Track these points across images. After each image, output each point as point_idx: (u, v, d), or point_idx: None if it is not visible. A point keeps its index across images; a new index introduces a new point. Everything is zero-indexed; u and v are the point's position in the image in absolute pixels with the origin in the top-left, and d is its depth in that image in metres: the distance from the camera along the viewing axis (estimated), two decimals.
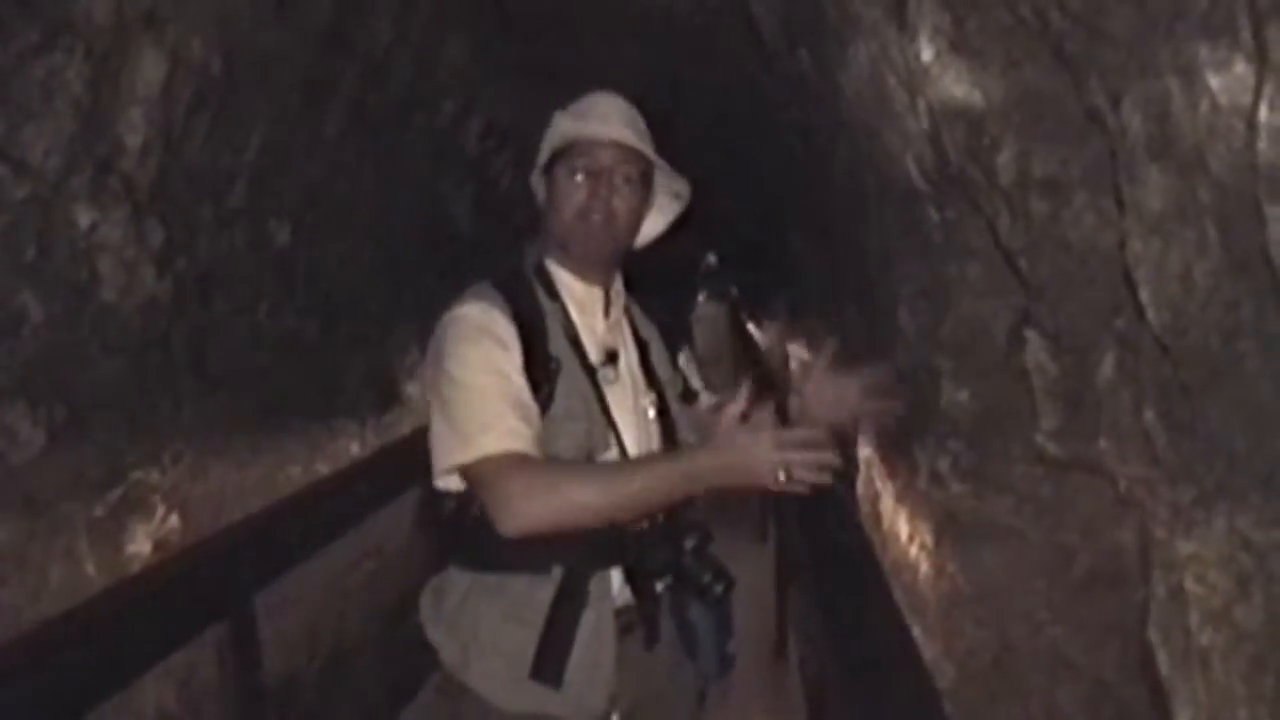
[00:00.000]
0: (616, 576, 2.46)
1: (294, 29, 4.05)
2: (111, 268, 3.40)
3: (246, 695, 4.11)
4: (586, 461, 2.39)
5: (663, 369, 2.67)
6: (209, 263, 3.96)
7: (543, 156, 2.53)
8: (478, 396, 2.32)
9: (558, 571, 2.38)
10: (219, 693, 4.03)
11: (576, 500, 2.27)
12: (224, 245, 4.06)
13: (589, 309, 2.56)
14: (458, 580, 2.53)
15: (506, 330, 2.38)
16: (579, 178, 2.46)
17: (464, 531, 2.44)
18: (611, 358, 2.53)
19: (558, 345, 2.45)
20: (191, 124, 3.60)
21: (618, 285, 2.65)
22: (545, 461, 2.32)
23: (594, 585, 2.40)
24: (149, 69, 3.32)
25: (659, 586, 2.50)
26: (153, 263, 3.58)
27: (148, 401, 3.74)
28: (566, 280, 2.56)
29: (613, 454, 2.43)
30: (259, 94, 3.98)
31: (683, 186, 2.68)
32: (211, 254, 3.97)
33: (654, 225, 2.69)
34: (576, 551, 2.36)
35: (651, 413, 2.57)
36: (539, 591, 2.39)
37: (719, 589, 2.47)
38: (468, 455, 2.31)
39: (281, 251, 4.54)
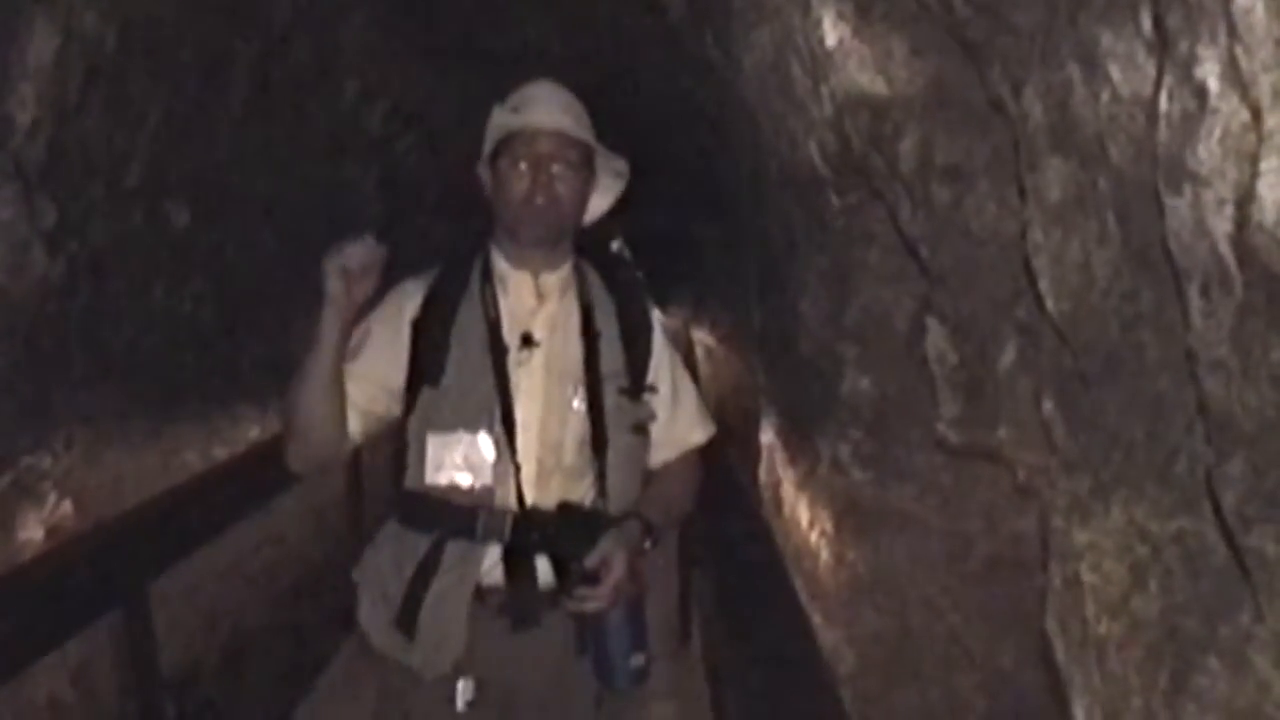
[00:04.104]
0: (492, 554, 2.56)
1: (191, 4, 3.96)
2: (1, 248, 3.30)
3: (142, 683, 4.04)
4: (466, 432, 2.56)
5: (609, 362, 2.66)
6: (103, 244, 3.87)
7: (487, 148, 2.62)
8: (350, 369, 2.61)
9: (431, 534, 2.56)
10: (114, 682, 3.96)
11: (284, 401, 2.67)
12: (119, 226, 3.97)
13: (516, 292, 2.66)
14: (385, 527, 2.74)
15: (410, 310, 2.62)
16: (521, 167, 2.55)
17: (395, 482, 2.68)
18: (526, 341, 2.59)
19: (466, 324, 2.60)
20: (85, 100, 3.50)
21: (562, 271, 2.71)
22: None
23: (451, 556, 2.54)
24: (40, 43, 3.23)
25: (541, 576, 2.56)
26: (44, 243, 3.49)
27: (39, 386, 3.65)
28: (499, 264, 2.68)
29: (496, 429, 2.53)
30: (155, 71, 3.89)
31: (622, 165, 2.76)
32: (106, 235, 3.88)
33: (599, 203, 2.77)
34: (443, 519, 2.56)
35: (577, 402, 2.61)
36: (420, 547, 2.57)
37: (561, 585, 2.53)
38: None
39: (179, 233, 4.45)
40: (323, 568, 5.75)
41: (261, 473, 5.22)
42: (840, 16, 2.78)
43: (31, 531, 3.68)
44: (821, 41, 2.89)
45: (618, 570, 2.44)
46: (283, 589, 5.58)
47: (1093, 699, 2.02)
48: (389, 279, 2.75)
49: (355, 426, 2.62)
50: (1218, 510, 1.58)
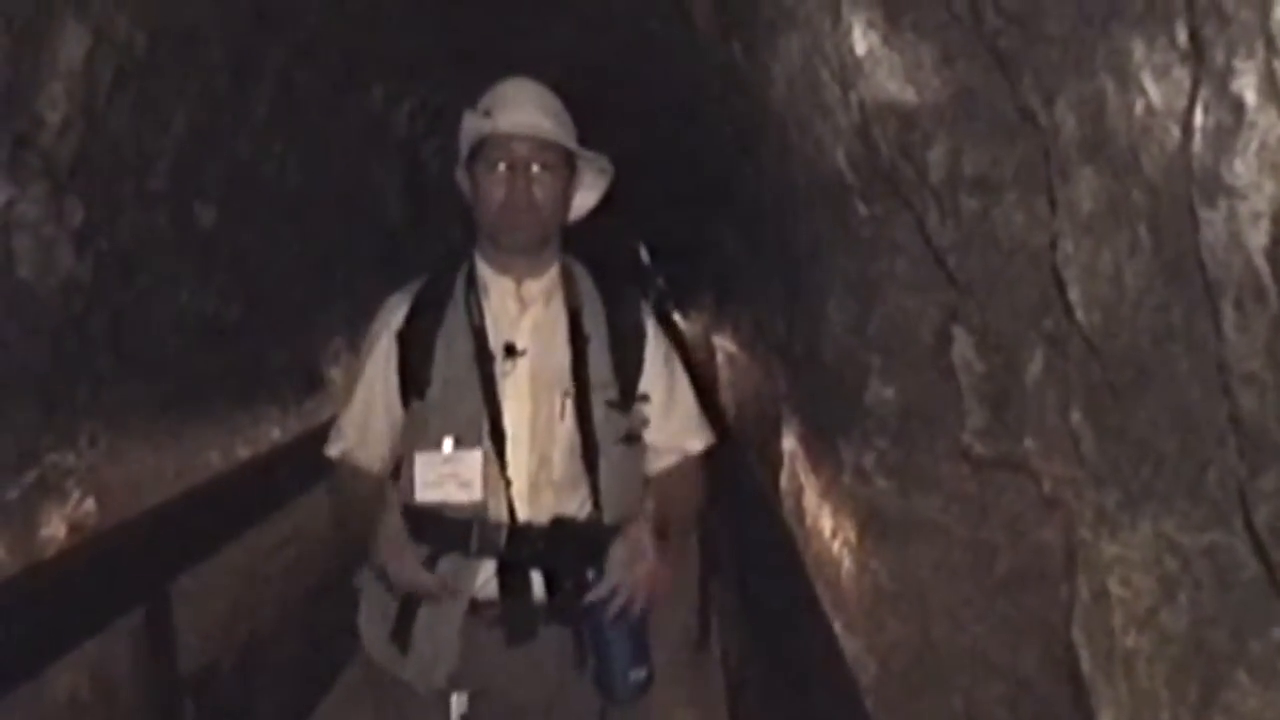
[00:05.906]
0: (487, 568, 2.56)
1: (221, 6, 3.98)
2: (29, 246, 3.32)
3: (162, 683, 4.05)
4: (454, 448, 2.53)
5: (598, 371, 2.62)
6: (130, 243, 3.89)
7: (463, 153, 2.61)
8: (354, 400, 2.75)
9: (425, 549, 2.55)
10: (133, 681, 3.97)
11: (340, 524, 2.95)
12: (146, 225, 3.98)
13: (499, 300, 2.63)
14: None
15: (395, 323, 2.65)
16: (498, 171, 2.53)
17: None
18: (510, 350, 2.57)
19: (452, 333, 2.59)
20: (114, 101, 3.52)
21: (546, 277, 2.67)
22: (356, 479, 2.78)
23: (444, 570, 2.54)
24: (71, 43, 3.25)
25: (537, 590, 2.56)
26: (72, 241, 3.50)
27: (64, 383, 3.66)
28: (483, 271, 2.66)
29: (484, 442, 2.52)
30: (184, 72, 3.91)
31: (604, 162, 2.71)
32: (133, 234, 3.90)
33: (584, 201, 2.75)
34: (437, 533, 2.55)
35: (566, 412, 2.58)
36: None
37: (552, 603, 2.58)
38: (328, 447, 2.79)
39: (205, 233, 4.47)
40: (344, 570, 5.73)
41: (284, 473, 5.24)
42: (870, 24, 2.77)
43: (55, 528, 3.69)
44: (851, 49, 2.88)
45: (635, 582, 2.50)
46: (304, 590, 5.59)
47: (1119, 712, 2.02)
48: (404, 279, 2.77)
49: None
50: (1249, 524, 1.57)
